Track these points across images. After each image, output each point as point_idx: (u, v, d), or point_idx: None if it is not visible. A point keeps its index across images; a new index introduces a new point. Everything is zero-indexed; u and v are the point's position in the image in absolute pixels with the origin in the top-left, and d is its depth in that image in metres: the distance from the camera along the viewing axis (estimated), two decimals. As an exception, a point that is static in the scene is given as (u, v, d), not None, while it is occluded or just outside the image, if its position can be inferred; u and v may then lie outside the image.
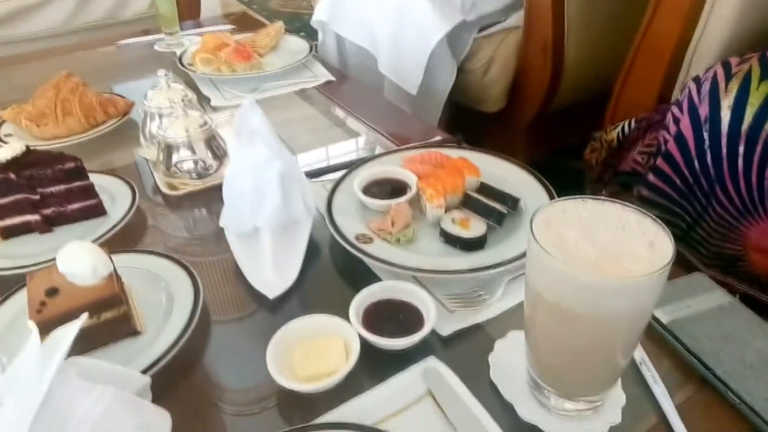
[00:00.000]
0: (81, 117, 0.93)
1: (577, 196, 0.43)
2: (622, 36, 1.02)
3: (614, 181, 0.96)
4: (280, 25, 1.29)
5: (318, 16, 1.34)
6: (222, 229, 0.69)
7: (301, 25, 1.26)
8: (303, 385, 0.49)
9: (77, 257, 0.53)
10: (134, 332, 0.56)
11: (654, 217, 0.41)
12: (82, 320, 0.43)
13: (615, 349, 0.41)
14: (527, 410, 0.48)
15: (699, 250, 0.69)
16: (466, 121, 1.33)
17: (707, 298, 0.56)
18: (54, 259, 0.55)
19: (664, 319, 0.54)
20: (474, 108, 1.31)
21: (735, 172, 0.63)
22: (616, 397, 0.48)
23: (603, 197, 0.43)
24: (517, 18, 1.23)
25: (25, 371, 0.40)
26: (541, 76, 1.22)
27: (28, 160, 0.68)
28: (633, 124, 0.94)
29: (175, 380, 0.53)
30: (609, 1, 1.17)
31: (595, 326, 0.39)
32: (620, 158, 0.96)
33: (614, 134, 0.97)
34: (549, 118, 1.31)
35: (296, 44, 1.26)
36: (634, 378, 0.51)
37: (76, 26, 1.78)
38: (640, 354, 0.52)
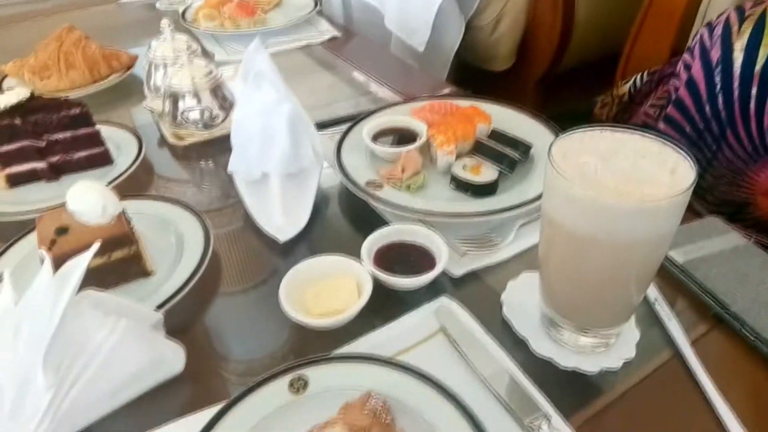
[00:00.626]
0: (84, 70, 0.92)
1: (594, 126, 0.42)
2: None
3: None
4: (284, -20, 1.26)
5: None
6: (229, 179, 0.69)
7: None
8: (316, 320, 0.49)
9: (87, 196, 0.53)
10: (145, 273, 0.55)
11: (675, 145, 0.40)
12: (94, 250, 0.43)
13: (631, 278, 0.41)
14: (540, 345, 0.48)
15: (706, 198, 0.69)
16: (473, 80, 1.31)
17: (721, 240, 0.56)
18: (61, 205, 0.55)
19: (679, 259, 0.54)
20: (482, 66, 1.28)
21: (747, 115, 0.62)
22: (630, 334, 0.48)
23: (621, 126, 0.42)
24: (526, -27, 1.20)
25: (38, 301, 0.40)
26: (550, 34, 1.20)
27: (33, 105, 0.67)
28: (645, 78, 0.93)
29: (188, 321, 0.53)
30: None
31: (613, 254, 0.39)
32: (631, 113, 0.94)
33: (625, 88, 0.96)
34: (558, 78, 1.29)
35: (300, 0, 1.23)
36: (647, 316, 0.51)
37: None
38: (654, 293, 0.52)
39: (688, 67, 0.69)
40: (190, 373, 0.47)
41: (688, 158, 0.38)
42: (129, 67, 0.97)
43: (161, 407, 0.45)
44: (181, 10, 1.21)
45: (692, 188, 0.36)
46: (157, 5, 1.34)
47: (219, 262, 0.60)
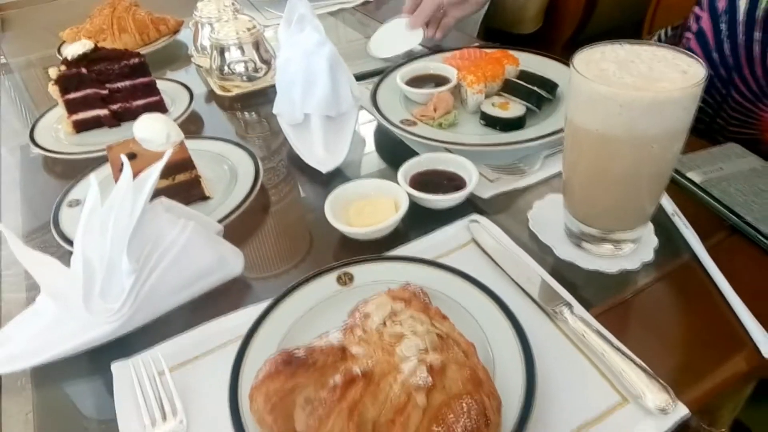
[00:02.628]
0: (135, 33, 0.99)
1: (614, 41, 0.46)
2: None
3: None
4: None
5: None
6: (271, 127, 0.74)
7: None
8: (358, 229, 0.54)
9: (153, 125, 0.59)
10: (204, 197, 0.62)
11: (688, 52, 0.43)
12: (164, 161, 0.49)
13: (649, 176, 0.45)
14: (564, 251, 0.52)
15: (719, 140, 0.72)
16: (501, 43, 1.34)
17: (740, 162, 0.59)
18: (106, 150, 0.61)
19: (698, 179, 0.57)
20: (509, 30, 1.31)
21: (751, 58, 0.64)
22: (649, 240, 0.52)
23: (638, 41, 0.46)
24: (554, -64, 1.22)
25: (120, 201, 0.46)
26: (577, -5, 1.21)
27: (96, 56, 0.74)
28: (669, 32, 0.94)
29: (244, 235, 0.59)
30: None
31: (631, 150, 0.43)
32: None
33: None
34: (585, 41, 1.31)
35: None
36: (666, 227, 0.54)
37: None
38: (672, 207, 0.55)
39: (697, 19, 0.71)
40: (247, 275, 0.53)
41: (699, 61, 0.42)
42: (176, 31, 1.04)
43: (224, 303, 0.50)
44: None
45: (703, 83, 0.40)
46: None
47: (268, 193, 0.66)
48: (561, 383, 0.41)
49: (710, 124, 0.75)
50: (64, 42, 1.03)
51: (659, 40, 0.96)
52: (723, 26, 0.68)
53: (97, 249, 0.45)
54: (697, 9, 0.74)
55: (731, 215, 0.53)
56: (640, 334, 0.45)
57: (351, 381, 0.35)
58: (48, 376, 0.46)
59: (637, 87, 0.41)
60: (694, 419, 0.77)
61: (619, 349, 0.42)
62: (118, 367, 0.45)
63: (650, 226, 0.53)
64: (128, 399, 0.42)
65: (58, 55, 1.00)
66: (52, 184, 0.71)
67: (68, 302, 0.46)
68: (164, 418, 0.41)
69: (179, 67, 1.00)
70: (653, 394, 0.39)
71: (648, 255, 0.51)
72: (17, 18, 1.34)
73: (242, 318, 0.47)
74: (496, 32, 1.34)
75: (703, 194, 0.56)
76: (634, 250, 0.51)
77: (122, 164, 0.52)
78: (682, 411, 0.39)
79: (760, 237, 0.51)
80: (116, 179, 0.57)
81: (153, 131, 0.58)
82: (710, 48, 0.71)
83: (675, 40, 0.94)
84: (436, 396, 0.35)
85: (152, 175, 0.47)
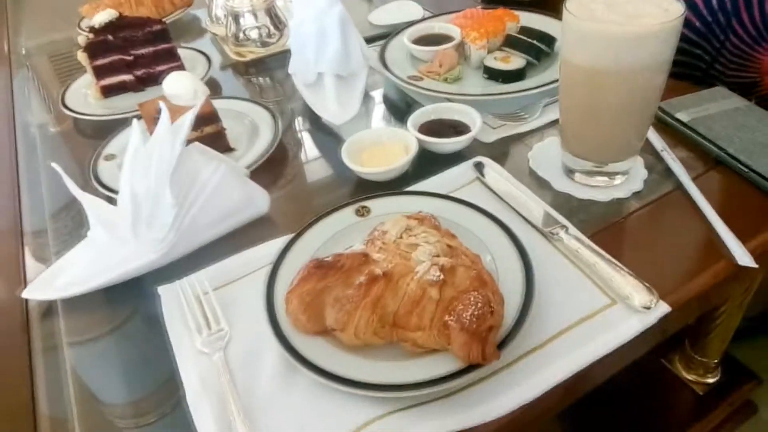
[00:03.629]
0: (152, 7, 1.03)
1: (605, -16, 0.50)
2: None
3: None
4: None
5: None
6: (285, 89, 0.79)
7: None
8: (372, 169, 0.59)
9: (181, 81, 0.64)
10: (229, 148, 0.67)
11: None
12: (197, 109, 0.54)
13: (636, 106, 0.49)
14: (561, 183, 0.57)
15: (717, 85, 0.76)
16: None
17: (725, 103, 0.63)
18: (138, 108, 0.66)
19: (684, 118, 0.62)
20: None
21: (749, 3, 0.68)
22: (638, 172, 0.57)
23: (627, -16, 0.50)
24: None
25: (160, 142, 0.51)
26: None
27: (121, 23, 0.79)
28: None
29: (268, 182, 0.64)
30: None
31: (619, 82, 0.47)
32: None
33: None
34: None
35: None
36: (655, 162, 0.59)
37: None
38: (661, 144, 0.60)
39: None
40: (273, 214, 0.59)
41: (679, 0, 0.46)
42: (189, 4, 1.08)
43: (254, 237, 0.56)
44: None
45: (682, 18, 0.44)
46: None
47: (286, 146, 0.71)
48: (556, 289, 0.46)
49: (707, 71, 0.79)
50: (84, 18, 1.07)
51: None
52: None
53: (142, 184, 0.50)
54: None
55: (714, 148, 0.58)
56: (629, 249, 0.50)
57: (374, 280, 0.40)
58: (96, 300, 0.52)
59: (622, 23, 0.45)
60: (686, 350, 0.82)
61: (609, 261, 0.47)
62: (164, 290, 0.50)
63: (640, 160, 0.58)
64: (175, 314, 0.48)
65: (78, 30, 1.05)
66: (84, 144, 0.77)
67: (118, 234, 0.51)
68: (209, 326, 0.46)
69: (194, 38, 1.04)
70: (639, 294, 0.44)
71: (638, 185, 0.56)
72: (27, 3, 1.38)
73: (273, 247, 0.52)
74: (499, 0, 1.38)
75: (689, 131, 0.61)
76: (625, 181, 0.56)
77: (156, 116, 0.58)
78: (664, 308, 0.44)
79: (740, 165, 0.55)
80: (150, 131, 0.63)
81: (181, 87, 0.63)
82: None
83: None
84: (447, 291, 0.40)
85: (187, 119, 0.53)
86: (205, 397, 0.42)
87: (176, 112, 0.63)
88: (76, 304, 0.51)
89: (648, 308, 0.44)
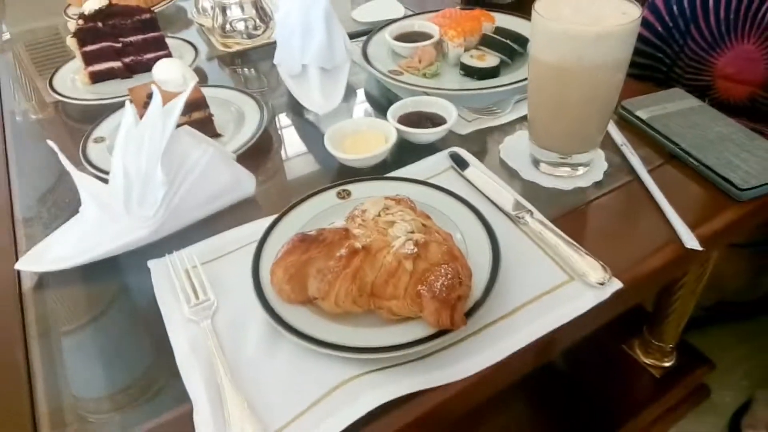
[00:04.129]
0: (139, -4, 1.05)
1: (571, -10, 0.55)
2: None
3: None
4: None
5: None
6: (270, 80, 0.82)
7: None
8: (353, 157, 0.63)
9: (170, 68, 0.67)
10: (216, 134, 0.70)
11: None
12: (188, 93, 0.57)
13: (597, 100, 0.54)
14: (528, 173, 0.61)
15: (675, 87, 0.81)
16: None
17: (681, 103, 0.68)
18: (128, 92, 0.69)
19: (643, 116, 0.66)
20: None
21: (707, 10, 0.74)
22: (600, 164, 0.62)
23: (592, -10, 0.54)
24: None
25: (152, 123, 0.54)
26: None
27: (111, 11, 0.81)
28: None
29: (254, 165, 0.67)
30: None
31: (582, 77, 0.52)
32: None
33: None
34: None
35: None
36: (615, 156, 0.64)
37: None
38: (621, 138, 0.65)
39: (659, -25, 0.80)
40: (258, 197, 0.62)
41: (637, 5, 0.51)
42: (176, -5, 1.10)
43: (241, 217, 0.59)
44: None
45: (639, 20, 0.49)
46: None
47: (271, 133, 0.74)
48: (521, 267, 0.50)
49: (668, 73, 0.84)
50: (70, 5, 1.09)
51: None
52: None
53: (134, 163, 0.53)
54: None
55: (669, 143, 0.63)
56: (588, 233, 0.55)
57: (354, 252, 0.44)
58: (88, 274, 0.54)
59: (586, 24, 0.50)
60: (644, 335, 0.87)
61: (569, 242, 0.51)
62: (154, 264, 0.53)
63: (601, 153, 0.62)
64: (165, 286, 0.51)
65: (65, 17, 1.06)
66: (72, 128, 0.79)
67: (109, 210, 0.54)
68: (196, 297, 0.49)
69: (180, 29, 1.07)
70: (594, 271, 0.49)
71: (598, 176, 0.60)
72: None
73: (259, 226, 0.55)
74: (477, 2, 1.42)
75: (647, 128, 0.65)
76: (587, 172, 0.61)
77: (147, 100, 0.60)
78: (616, 284, 0.48)
79: (691, 159, 0.60)
80: (140, 115, 0.65)
81: (171, 73, 0.66)
82: (671, 2, 0.80)
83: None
84: (420, 263, 0.44)
85: (178, 103, 0.55)
86: (194, 359, 0.45)
87: (166, 97, 0.65)
88: (68, 277, 0.54)
89: (602, 284, 0.48)
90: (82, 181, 0.55)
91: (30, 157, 0.75)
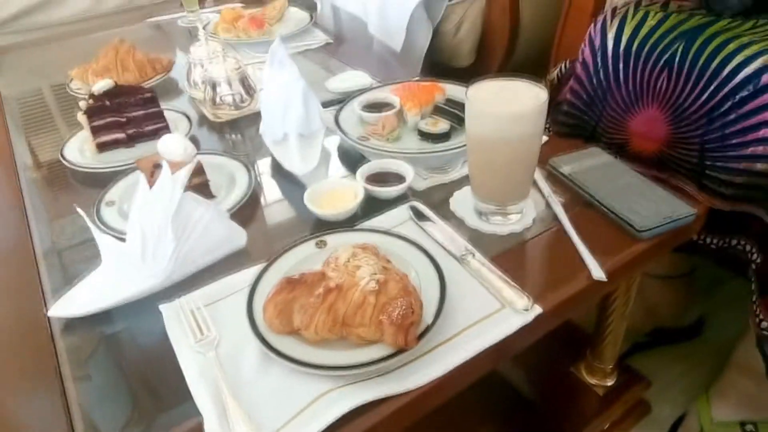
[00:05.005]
0: (135, 72, 1.19)
1: (496, 76, 0.70)
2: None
3: (555, 109, 1.23)
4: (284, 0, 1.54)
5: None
6: (254, 144, 0.96)
7: (296, 1, 1.54)
8: (328, 212, 0.76)
9: (173, 141, 0.79)
10: (211, 195, 0.82)
11: (540, 85, 0.67)
12: (194, 164, 0.70)
13: (519, 163, 0.68)
14: (472, 221, 0.75)
15: (601, 141, 0.97)
16: (442, 75, 1.59)
17: (597, 159, 0.83)
18: (135, 163, 0.82)
19: (565, 170, 0.81)
20: (448, 64, 1.56)
21: (618, 81, 0.90)
22: (530, 212, 0.75)
23: (512, 76, 0.69)
24: (481, -13, 1.49)
25: (162, 190, 0.66)
26: (501, 35, 1.48)
27: (117, 91, 0.94)
28: (567, 65, 1.21)
29: (245, 221, 0.79)
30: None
31: (504, 147, 0.66)
32: (558, 92, 1.22)
33: (554, 74, 1.24)
34: (510, 71, 1.58)
35: (298, 14, 1.51)
36: (543, 205, 0.78)
37: (102, 11, 2.02)
38: (547, 190, 0.79)
39: (582, 52, 0.97)
40: (248, 247, 0.74)
41: (544, 89, 0.66)
42: (168, 70, 1.24)
43: (234, 265, 0.70)
44: (201, 26, 1.48)
45: (546, 104, 0.64)
46: (179, 22, 1.62)
47: (258, 192, 0.87)
48: (462, 298, 0.63)
49: (593, 131, 1.00)
50: (72, 79, 1.22)
51: (560, 70, 1.23)
52: (598, 58, 0.94)
53: (148, 223, 0.65)
54: (583, 45, 1.00)
55: (585, 194, 0.77)
56: (518, 269, 0.68)
57: (329, 291, 0.56)
58: (110, 317, 0.65)
59: (503, 107, 0.64)
60: (587, 358, 1.00)
61: (501, 277, 0.64)
62: (165, 307, 0.64)
63: (531, 203, 0.76)
64: (175, 325, 0.62)
65: (68, 90, 1.19)
66: (81, 192, 0.91)
67: (127, 262, 0.65)
68: (201, 333, 0.61)
69: (172, 98, 1.20)
70: (520, 300, 0.61)
71: (529, 222, 0.74)
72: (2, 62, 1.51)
73: (250, 272, 0.67)
74: (438, 65, 1.60)
75: (569, 181, 0.80)
76: (519, 219, 0.74)
77: (152, 169, 0.73)
78: (538, 310, 0.61)
79: (603, 207, 0.75)
80: (148, 182, 0.77)
81: (174, 146, 0.79)
82: (591, 73, 0.96)
83: (571, 71, 1.21)
84: (381, 298, 0.56)
85: (183, 173, 0.68)
86: (202, 382, 0.56)
87: (171, 166, 0.78)
88: (92, 320, 0.65)
89: (526, 310, 0.61)
90: (103, 239, 0.67)
91: (45, 208, 0.86)
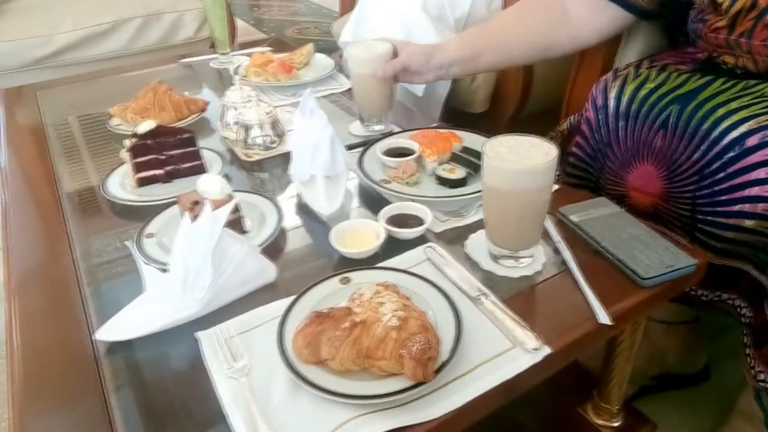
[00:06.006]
0: (172, 112, 1.27)
1: (514, 134, 0.76)
2: (576, 54, 1.36)
3: (564, 159, 1.29)
4: (310, 46, 1.64)
5: (344, 38, 1.70)
6: (282, 183, 1.03)
7: (320, 47, 1.64)
8: (352, 251, 0.82)
9: (210, 181, 0.86)
10: (244, 231, 0.88)
11: (550, 142, 0.74)
12: (233, 204, 0.76)
13: (530, 212, 0.74)
14: (486, 264, 0.80)
15: (601, 194, 1.02)
16: (458, 120, 1.67)
17: (604, 209, 0.89)
18: (172, 198, 0.89)
19: (574, 219, 0.87)
20: (464, 110, 1.65)
21: (618, 139, 0.96)
22: (540, 257, 0.81)
23: (523, 134, 0.76)
24: (496, 40, 1.58)
25: (203, 226, 0.73)
26: (515, 86, 1.56)
27: (158, 131, 1.02)
28: (577, 117, 1.28)
29: (273, 256, 0.85)
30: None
31: (516, 198, 0.72)
32: (568, 143, 1.29)
33: (564, 125, 1.31)
34: (523, 119, 1.65)
35: (324, 61, 1.61)
36: (552, 251, 0.83)
37: (135, 50, 2.15)
38: (557, 236, 0.84)
39: (586, 110, 1.04)
40: (278, 281, 0.80)
41: (555, 147, 0.72)
42: (203, 110, 1.33)
43: (264, 298, 0.76)
44: (232, 69, 1.58)
45: (555, 160, 0.70)
46: (211, 64, 1.72)
47: (285, 229, 0.93)
48: (476, 336, 0.68)
49: (597, 182, 1.06)
50: (112, 116, 1.31)
51: (570, 122, 1.30)
52: (600, 116, 1.01)
53: (190, 256, 0.71)
54: (587, 103, 1.08)
55: (592, 242, 0.82)
56: (528, 310, 0.73)
57: (354, 325, 0.61)
58: (151, 342, 0.70)
59: (516, 161, 0.71)
60: (594, 399, 1.03)
61: (513, 318, 0.69)
62: (201, 334, 0.70)
63: (541, 249, 0.82)
64: (210, 351, 0.67)
65: (108, 127, 1.28)
66: (122, 224, 0.97)
67: (168, 292, 0.71)
68: (235, 360, 0.66)
69: (204, 136, 1.28)
70: (530, 340, 0.66)
71: (539, 266, 0.79)
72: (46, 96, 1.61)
73: (280, 305, 0.73)
74: (454, 110, 1.68)
75: (577, 229, 0.85)
76: (530, 264, 0.80)
77: (193, 206, 0.80)
78: (546, 350, 0.66)
79: (608, 255, 0.80)
80: (192, 217, 0.84)
81: (212, 185, 0.85)
82: (593, 130, 1.03)
83: (578, 124, 1.28)
84: (402, 333, 0.61)
85: (225, 210, 0.74)
86: (235, 406, 0.61)
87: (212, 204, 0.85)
88: (134, 344, 0.70)
89: (536, 350, 0.66)
90: (147, 270, 0.73)
91: (87, 236, 0.93)
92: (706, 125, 0.84)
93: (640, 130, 0.93)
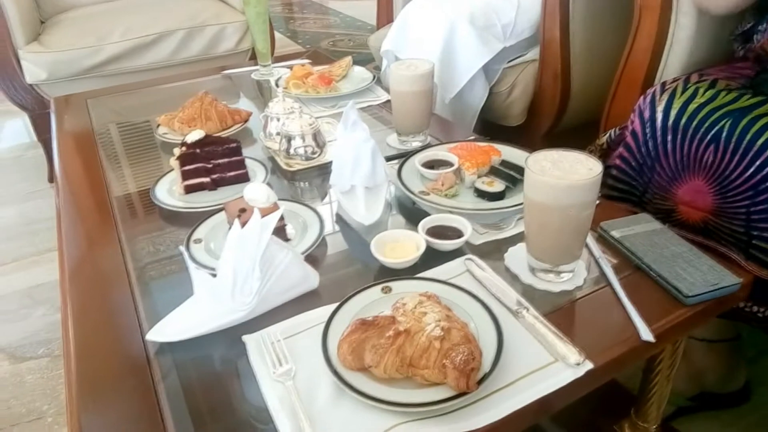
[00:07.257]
0: (217, 121, 1.31)
1: (558, 148, 0.77)
2: (614, 68, 1.36)
3: (605, 172, 1.29)
4: (349, 59, 1.67)
5: (385, 47, 1.73)
6: (321, 193, 1.05)
7: (354, 60, 1.68)
8: (392, 261, 0.83)
9: (257, 190, 0.89)
10: (287, 239, 0.91)
11: (594, 158, 0.74)
12: (281, 211, 0.79)
13: (573, 228, 0.74)
14: (526, 278, 0.81)
15: (646, 208, 1.01)
16: (493, 133, 1.67)
17: (646, 225, 0.88)
18: (218, 205, 0.93)
19: (616, 235, 0.86)
20: (500, 123, 1.65)
21: (666, 152, 0.96)
22: (581, 272, 0.81)
23: (567, 149, 0.76)
24: (534, 53, 1.59)
25: (252, 233, 0.75)
26: (552, 99, 1.56)
27: (206, 140, 1.06)
28: (617, 131, 1.28)
29: (315, 265, 0.87)
30: (604, 42, 1.52)
31: (560, 213, 0.72)
32: (608, 157, 1.29)
33: (604, 139, 1.30)
34: (559, 133, 1.65)
35: (362, 73, 1.64)
36: (593, 266, 0.83)
37: (178, 60, 2.22)
38: (598, 252, 0.84)
39: (632, 122, 1.04)
40: (320, 288, 0.82)
41: (599, 162, 0.73)
42: (246, 120, 1.37)
43: (308, 304, 0.78)
44: (273, 81, 1.63)
45: (599, 176, 0.70)
46: (252, 75, 1.77)
47: (327, 239, 0.95)
48: (517, 350, 0.68)
49: (641, 197, 1.06)
50: (159, 125, 1.36)
51: (610, 136, 1.29)
52: (647, 129, 1.01)
53: (239, 262, 0.74)
54: (632, 116, 1.07)
55: (634, 258, 0.82)
56: (569, 325, 0.73)
57: (398, 334, 0.63)
58: (199, 344, 0.73)
59: (560, 177, 0.71)
60: (632, 417, 1.02)
61: (554, 332, 0.70)
62: (247, 338, 0.72)
63: (582, 264, 0.82)
64: (257, 355, 0.70)
65: (156, 135, 1.33)
66: (169, 229, 1.01)
67: (217, 296, 0.74)
68: (280, 364, 0.68)
69: (247, 145, 1.32)
70: (572, 355, 0.66)
71: (580, 281, 0.79)
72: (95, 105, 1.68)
73: (323, 311, 0.74)
74: (489, 123, 1.69)
75: (619, 245, 0.85)
76: (571, 278, 0.80)
77: (240, 213, 0.83)
78: (588, 365, 0.66)
79: (650, 271, 0.79)
80: (229, 223, 0.87)
81: (258, 194, 0.88)
82: (639, 143, 1.03)
83: (620, 138, 1.27)
84: (445, 344, 0.62)
85: (273, 219, 0.77)
86: (282, 408, 0.62)
87: (252, 211, 0.88)
88: (183, 346, 0.73)
89: (578, 365, 0.66)
90: (198, 274, 0.76)
91: (136, 239, 0.97)
92: (761, 140, 0.84)
93: (689, 145, 0.93)
